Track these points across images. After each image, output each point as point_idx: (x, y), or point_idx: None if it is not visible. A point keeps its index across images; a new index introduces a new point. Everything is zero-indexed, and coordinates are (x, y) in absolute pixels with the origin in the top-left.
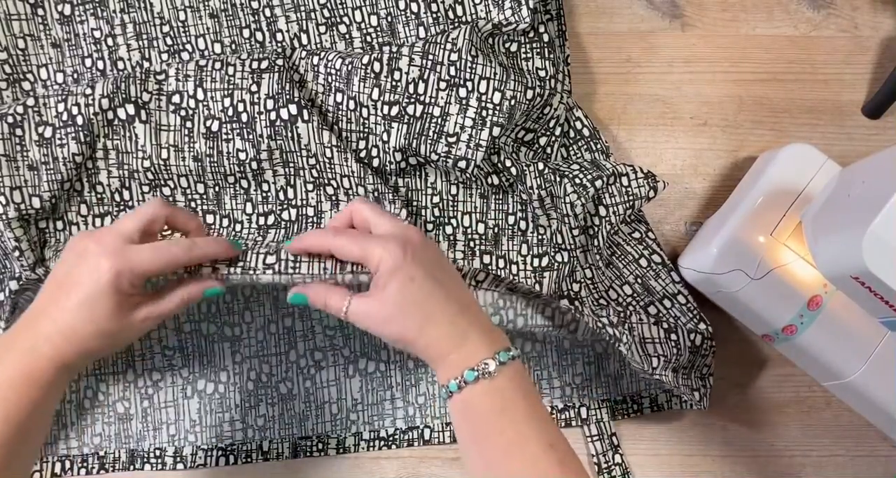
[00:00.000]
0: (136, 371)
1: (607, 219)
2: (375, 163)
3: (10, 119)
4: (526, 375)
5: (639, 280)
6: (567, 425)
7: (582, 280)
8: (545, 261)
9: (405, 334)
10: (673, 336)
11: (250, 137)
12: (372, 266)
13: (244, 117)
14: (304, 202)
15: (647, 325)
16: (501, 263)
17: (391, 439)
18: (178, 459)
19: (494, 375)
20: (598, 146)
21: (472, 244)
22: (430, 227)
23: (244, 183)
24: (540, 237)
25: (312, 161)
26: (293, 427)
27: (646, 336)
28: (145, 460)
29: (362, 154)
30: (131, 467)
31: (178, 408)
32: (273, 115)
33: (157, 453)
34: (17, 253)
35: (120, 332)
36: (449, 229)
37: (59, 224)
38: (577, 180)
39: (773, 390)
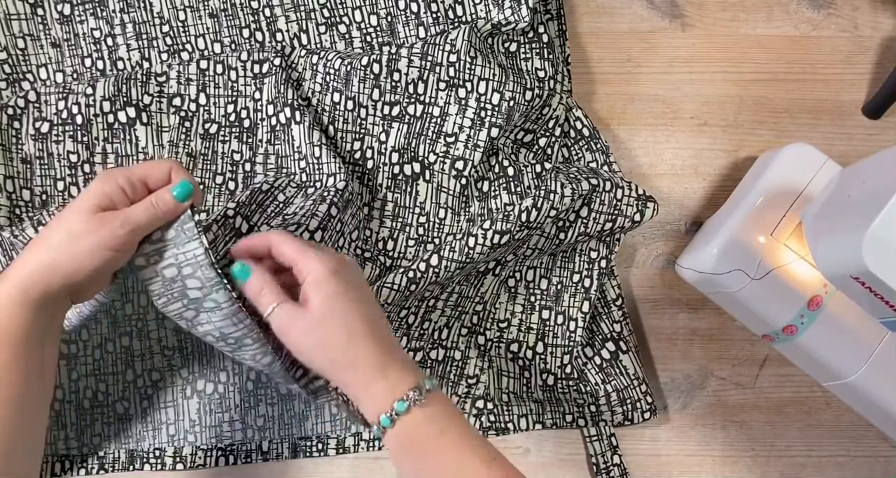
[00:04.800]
0: (135, 371)
1: (584, 222)
2: (369, 165)
3: (9, 111)
4: (451, 401)
5: (558, 286)
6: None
7: (521, 258)
8: (505, 238)
9: (327, 349)
10: (526, 374)
11: (249, 140)
12: (301, 275)
13: (246, 123)
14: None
15: (504, 359)
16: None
17: None
18: (178, 459)
19: (424, 402)
20: (598, 146)
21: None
22: (411, 243)
23: (231, 185)
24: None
25: (303, 164)
26: (293, 427)
27: (502, 369)
28: (145, 460)
29: (356, 156)
30: (131, 468)
31: (177, 408)
32: (273, 121)
33: (157, 453)
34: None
35: (89, 236)
36: (431, 247)
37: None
38: (572, 176)
39: (773, 390)
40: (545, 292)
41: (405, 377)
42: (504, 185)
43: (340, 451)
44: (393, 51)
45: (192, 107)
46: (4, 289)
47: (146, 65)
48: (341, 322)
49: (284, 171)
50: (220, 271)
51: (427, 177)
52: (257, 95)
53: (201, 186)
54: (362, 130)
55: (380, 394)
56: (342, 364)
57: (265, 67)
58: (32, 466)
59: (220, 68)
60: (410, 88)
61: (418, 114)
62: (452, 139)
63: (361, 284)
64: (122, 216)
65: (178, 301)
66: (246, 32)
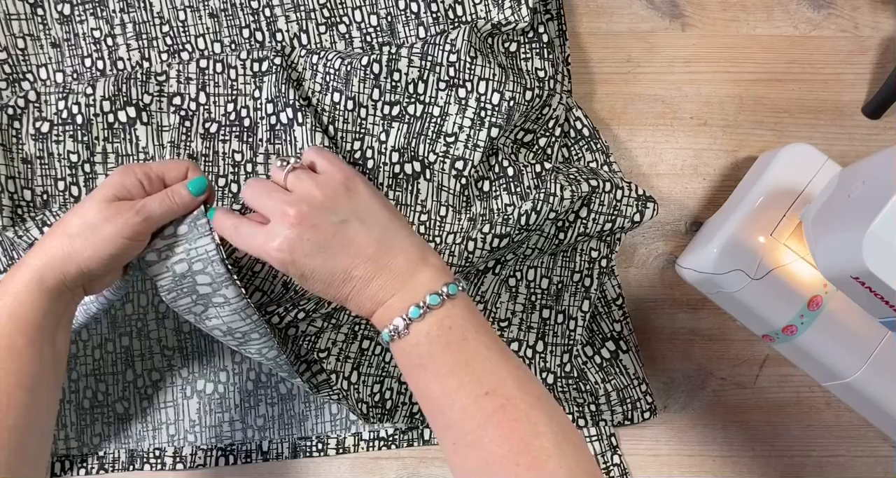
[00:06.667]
0: (135, 371)
1: (584, 222)
2: (370, 165)
3: (10, 111)
4: (453, 321)
5: (559, 285)
6: None
7: (520, 256)
8: (504, 242)
9: (370, 228)
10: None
11: (249, 139)
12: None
13: (246, 122)
14: None
15: None
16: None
17: (391, 439)
18: (178, 459)
19: (405, 334)
20: (598, 146)
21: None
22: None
23: (234, 188)
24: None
25: None
26: (293, 427)
27: None
28: (145, 460)
29: (356, 155)
30: (131, 468)
31: (177, 408)
32: (273, 120)
33: (157, 453)
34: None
35: (105, 224)
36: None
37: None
38: (572, 176)
39: (773, 390)
40: (546, 292)
41: (445, 267)
42: (504, 185)
43: (340, 451)
44: (393, 51)
45: (192, 106)
46: (21, 276)
47: (146, 65)
48: (385, 205)
49: None
50: (230, 267)
51: (427, 176)
52: (257, 94)
53: None
54: (362, 130)
55: (424, 280)
56: (386, 244)
57: (265, 66)
58: (44, 452)
59: (219, 67)
60: (410, 88)
61: (418, 114)
62: (452, 139)
63: (344, 210)
64: (138, 205)
65: (187, 296)
66: (246, 32)
